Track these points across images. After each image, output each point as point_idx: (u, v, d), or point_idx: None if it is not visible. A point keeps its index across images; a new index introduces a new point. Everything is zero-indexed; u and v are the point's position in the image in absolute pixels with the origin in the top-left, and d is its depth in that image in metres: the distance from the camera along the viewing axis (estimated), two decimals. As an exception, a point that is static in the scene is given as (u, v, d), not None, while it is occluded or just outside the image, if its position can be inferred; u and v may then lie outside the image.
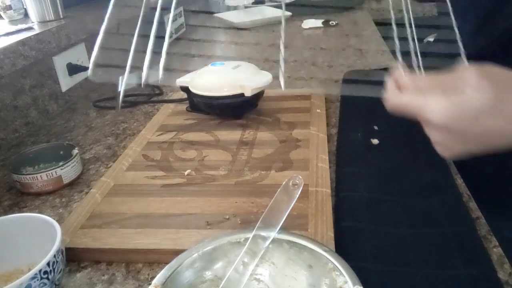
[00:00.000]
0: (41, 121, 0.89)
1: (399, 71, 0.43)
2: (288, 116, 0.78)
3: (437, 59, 0.46)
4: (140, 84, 0.39)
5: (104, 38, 0.41)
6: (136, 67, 0.41)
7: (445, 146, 0.42)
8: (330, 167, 0.62)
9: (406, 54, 0.46)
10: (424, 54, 0.46)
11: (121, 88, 0.53)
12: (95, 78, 0.39)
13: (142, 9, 0.45)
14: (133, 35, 0.42)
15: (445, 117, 0.38)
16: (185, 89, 0.81)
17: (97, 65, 0.40)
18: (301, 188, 0.44)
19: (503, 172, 0.66)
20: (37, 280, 0.39)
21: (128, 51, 0.42)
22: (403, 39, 0.47)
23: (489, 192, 0.63)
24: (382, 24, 1.40)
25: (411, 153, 0.63)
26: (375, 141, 0.67)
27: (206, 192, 0.58)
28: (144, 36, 0.42)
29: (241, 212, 0.53)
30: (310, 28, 1.48)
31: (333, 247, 0.46)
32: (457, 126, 0.39)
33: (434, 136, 0.42)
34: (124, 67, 0.40)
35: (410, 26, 0.47)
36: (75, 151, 0.66)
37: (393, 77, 0.43)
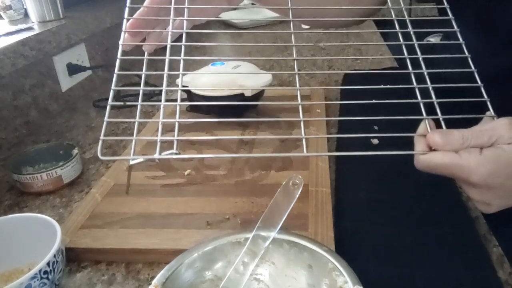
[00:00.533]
0: (41, 120, 0.89)
1: (426, 127, 0.40)
2: (288, 116, 0.78)
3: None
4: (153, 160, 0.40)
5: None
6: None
7: (486, 203, 0.40)
8: (330, 166, 0.62)
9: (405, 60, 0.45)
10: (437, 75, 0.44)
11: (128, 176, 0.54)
12: (104, 156, 0.40)
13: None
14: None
15: (483, 174, 0.37)
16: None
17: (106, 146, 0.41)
18: (301, 188, 0.44)
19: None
20: (37, 280, 0.39)
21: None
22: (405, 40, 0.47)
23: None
24: (382, 24, 1.40)
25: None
26: (375, 141, 0.67)
27: (206, 192, 0.58)
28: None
29: (241, 212, 0.53)
30: (310, 28, 1.48)
31: (333, 247, 0.46)
32: (496, 182, 0.37)
33: (474, 194, 0.40)
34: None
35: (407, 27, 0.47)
36: (75, 151, 0.66)
37: (420, 134, 0.40)
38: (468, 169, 0.37)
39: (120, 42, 0.47)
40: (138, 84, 0.45)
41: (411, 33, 0.47)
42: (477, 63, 0.44)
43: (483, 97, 0.42)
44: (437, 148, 0.38)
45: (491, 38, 0.62)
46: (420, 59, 0.44)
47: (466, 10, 0.54)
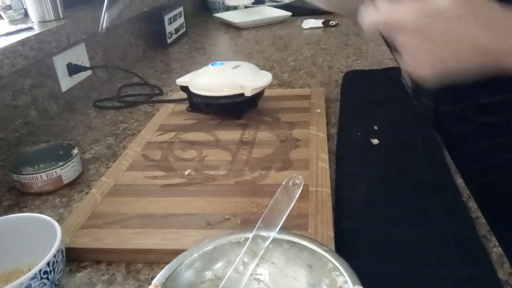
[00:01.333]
0: (40, 121, 0.89)
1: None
2: (288, 116, 0.78)
3: None
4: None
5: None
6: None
7: (417, 57, 0.41)
8: (330, 166, 0.62)
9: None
10: None
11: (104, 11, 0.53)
12: (104, 37, 0.39)
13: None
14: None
15: (416, 16, 0.39)
16: (185, 89, 0.82)
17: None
18: (301, 188, 0.44)
19: (502, 171, 0.66)
20: (37, 280, 0.39)
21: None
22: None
23: (489, 191, 0.63)
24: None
25: (411, 153, 0.64)
26: (375, 141, 0.67)
27: (206, 192, 0.58)
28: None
29: (241, 212, 0.53)
30: (310, 28, 1.48)
31: (333, 247, 0.46)
32: (429, 28, 0.39)
33: (406, 42, 0.41)
34: None
35: None
36: (75, 151, 0.66)
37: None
38: (405, 13, 0.39)
39: None
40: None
41: None
42: None
43: None
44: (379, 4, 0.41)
45: None
46: None
47: None
